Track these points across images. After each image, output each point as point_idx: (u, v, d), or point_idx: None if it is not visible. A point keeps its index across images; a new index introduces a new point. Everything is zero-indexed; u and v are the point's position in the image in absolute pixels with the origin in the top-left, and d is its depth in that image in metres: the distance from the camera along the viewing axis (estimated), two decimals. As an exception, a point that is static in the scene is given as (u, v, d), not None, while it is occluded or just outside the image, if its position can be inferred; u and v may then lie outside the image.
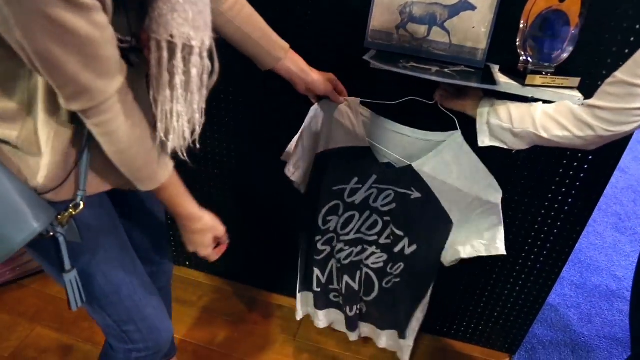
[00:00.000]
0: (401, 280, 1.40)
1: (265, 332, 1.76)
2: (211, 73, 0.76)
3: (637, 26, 1.04)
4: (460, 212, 1.24)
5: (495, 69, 1.12)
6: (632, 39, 1.05)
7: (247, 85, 1.43)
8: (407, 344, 1.52)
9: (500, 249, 1.22)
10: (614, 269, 2.26)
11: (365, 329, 1.59)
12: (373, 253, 1.40)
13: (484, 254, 1.24)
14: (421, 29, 1.13)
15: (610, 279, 2.18)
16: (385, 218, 1.33)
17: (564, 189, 1.32)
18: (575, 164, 1.27)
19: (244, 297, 1.90)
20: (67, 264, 0.85)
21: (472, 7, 1.09)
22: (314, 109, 1.24)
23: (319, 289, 1.52)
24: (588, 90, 1.10)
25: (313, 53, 1.11)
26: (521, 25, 1.04)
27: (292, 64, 1.08)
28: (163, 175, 0.83)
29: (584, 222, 1.37)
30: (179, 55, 0.70)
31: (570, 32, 1.02)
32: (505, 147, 1.05)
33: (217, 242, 1.01)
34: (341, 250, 1.42)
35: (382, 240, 1.37)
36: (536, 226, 1.40)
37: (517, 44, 1.06)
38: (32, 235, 0.74)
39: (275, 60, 1.05)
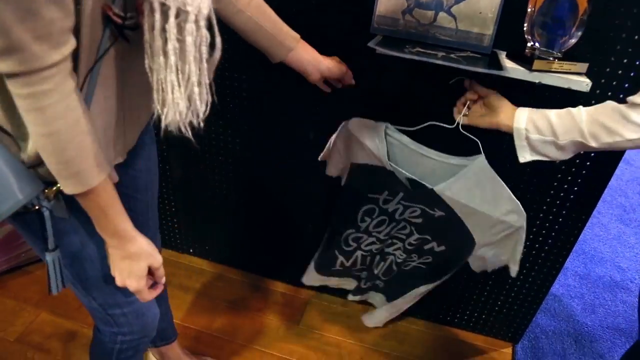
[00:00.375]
0: (424, 268, 1.42)
1: (268, 318, 1.77)
2: (212, 47, 0.73)
3: (647, 12, 1.02)
4: (483, 233, 1.24)
5: (502, 54, 1.11)
6: (641, 25, 1.04)
7: (251, 72, 1.42)
8: (390, 310, 1.59)
9: (512, 272, 1.30)
10: (618, 260, 2.25)
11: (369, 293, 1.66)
12: (398, 248, 1.42)
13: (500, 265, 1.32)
14: (427, 15, 1.12)
15: (614, 270, 2.18)
16: (412, 227, 1.34)
17: (569, 178, 1.31)
18: (581, 152, 1.26)
19: (247, 284, 1.90)
20: (51, 242, 0.84)
21: (480, -8, 1.08)
22: (342, 126, 1.25)
23: (341, 268, 1.54)
24: (596, 76, 1.10)
25: (318, 40, 1.10)
26: (529, 10, 1.03)
27: (305, 53, 1.06)
28: (96, 177, 0.73)
29: (588, 212, 1.36)
30: (172, 20, 0.66)
31: (579, 17, 1.01)
32: (548, 160, 1.01)
33: (152, 281, 0.89)
34: (372, 243, 1.44)
35: (407, 245, 1.39)
36: (541, 215, 1.40)
37: (525, 29, 1.05)
38: (16, 206, 0.73)
39: (287, 50, 1.04)
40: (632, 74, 1.10)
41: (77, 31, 0.65)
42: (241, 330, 1.72)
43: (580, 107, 0.95)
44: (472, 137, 1.13)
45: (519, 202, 1.17)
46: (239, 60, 1.39)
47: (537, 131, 0.97)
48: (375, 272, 1.52)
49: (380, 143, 1.22)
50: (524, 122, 0.99)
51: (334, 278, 1.59)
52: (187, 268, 1.96)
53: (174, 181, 1.76)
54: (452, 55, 1.06)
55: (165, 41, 0.68)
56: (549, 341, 1.76)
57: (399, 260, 1.45)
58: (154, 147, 1.09)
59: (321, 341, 1.70)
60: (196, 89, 0.73)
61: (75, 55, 0.67)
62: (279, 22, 1.02)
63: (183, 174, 1.74)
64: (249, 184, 1.69)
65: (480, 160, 1.16)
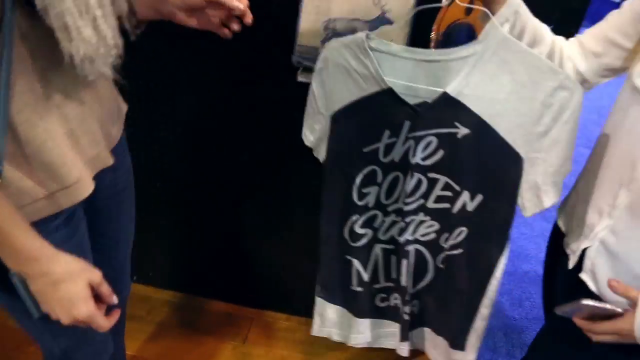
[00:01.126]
0: (461, 254, 1.06)
1: (215, 340, 1.79)
2: None
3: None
4: (526, 137, 0.91)
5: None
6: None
7: (183, 97, 1.46)
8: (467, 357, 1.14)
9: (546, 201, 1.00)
10: (541, 256, 2.34)
11: (418, 336, 1.24)
12: (422, 222, 1.06)
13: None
14: (344, 43, 1.21)
15: (538, 265, 2.33)
16: (430, 175, 1.01)
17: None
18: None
19: (193, 307, 1.92)
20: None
21: (390, 22, 1.18)
22: (321, 58, 1.02)
23: (360, 289, 1.17)
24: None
25: (245, 70, 1.16)
26: (432, 36, 1.14)
27: None
28: None
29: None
30: None
31: (476, 42, 1.13)
32: None
33: (104, 306, 0.75)
34: (393, 223, 1.09)
35: (430, 204, 1.04)
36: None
37: (431, 54, 1.16)
38: None
39: None
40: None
41: None
42: (190, 353, 1.74)
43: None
44: (479, 6, 0.90)
45: (566, 73, 0.87)
46: (168, 86, 1.43)
47: (516, 28, 0.88)
48: (404, 281, 1.11)
49: (367, 58, 0.95)
50: (511, 13, 0.87)
51: (375, 321, 1.24)
52: (132, 296, 1.92)
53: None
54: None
55: None
56: (481, 336, 1.88)
57: (424, 238, 1.08)
58: (133, 193, 1.10)
59: (268, 357, 1.74)
60: (99, 12, 0.65)
61: None
62: None
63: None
64: (186, 206, 1.72)
65: (494, 31, 0.86)
